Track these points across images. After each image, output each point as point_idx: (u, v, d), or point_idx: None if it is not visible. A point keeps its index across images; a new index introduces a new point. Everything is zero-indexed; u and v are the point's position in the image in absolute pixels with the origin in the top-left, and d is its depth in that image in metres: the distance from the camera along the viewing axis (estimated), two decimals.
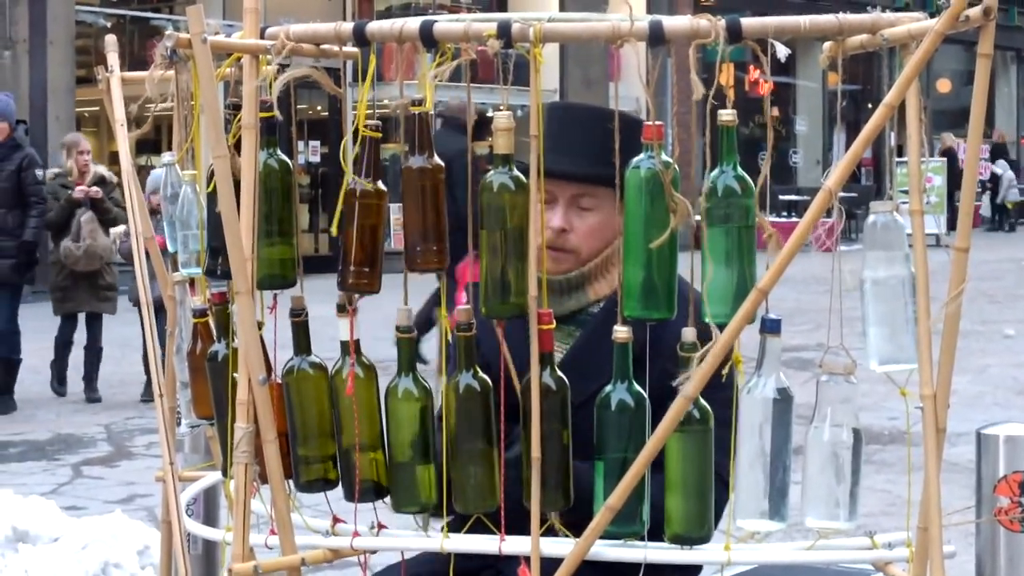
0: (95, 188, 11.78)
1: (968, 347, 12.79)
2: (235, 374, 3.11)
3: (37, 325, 12.59)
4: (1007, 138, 35.08)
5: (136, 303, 11.52)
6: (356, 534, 3.15)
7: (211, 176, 3.13)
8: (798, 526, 3.01)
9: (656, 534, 3.01)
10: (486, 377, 3.04)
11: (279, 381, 3.17)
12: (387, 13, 24.62)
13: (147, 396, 11.60)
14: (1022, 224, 35.83)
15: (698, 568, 3.36)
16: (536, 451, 2.95)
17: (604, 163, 3.05)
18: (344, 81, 3.28)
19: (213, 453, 3.66)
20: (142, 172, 15.18)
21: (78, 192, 11.75)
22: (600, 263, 3.46)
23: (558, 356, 3.39)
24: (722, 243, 2.90)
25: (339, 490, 3.18)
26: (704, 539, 2.99)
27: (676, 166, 2.95)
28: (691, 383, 2.87)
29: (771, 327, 2.92)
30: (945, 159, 28.73)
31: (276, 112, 3.11)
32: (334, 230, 3.07)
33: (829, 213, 2.85)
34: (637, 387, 2.97)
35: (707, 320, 2.90)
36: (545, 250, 3.30)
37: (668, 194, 2.90)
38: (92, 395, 11.92)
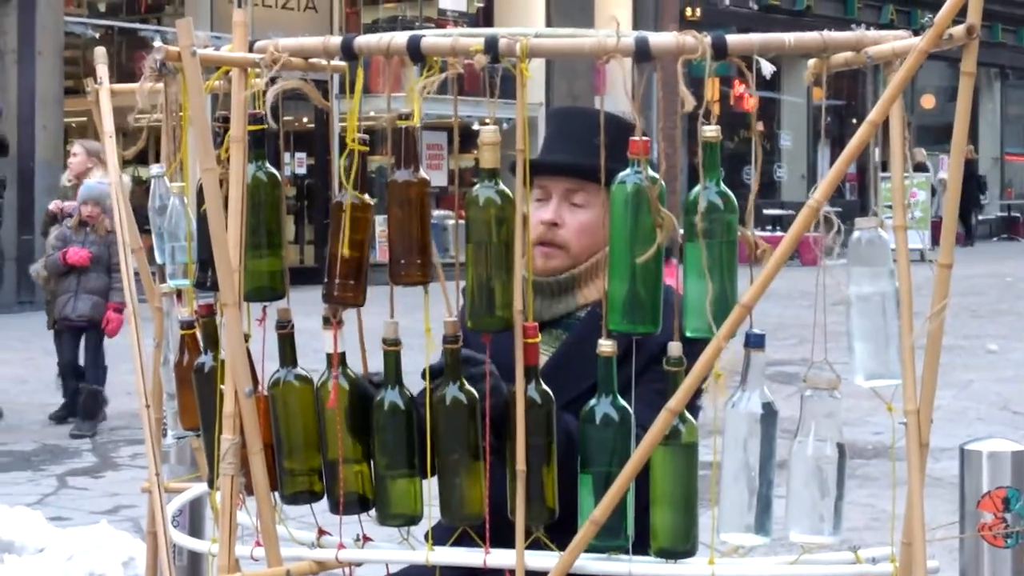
0: (69, 203, 11.06)
1: (952, 362, 12.81)
2: (222, 386, 3.12)
3: (24, 335, 12.56)
4: (970, 155, 34.95)
5: (52, 327, 11.18)
6: (341, 546, 3.16)
7: (200, 188, 3.14)
8: (782, 540, 3.02)
9: (640, 548, 3.02)
10: (472, 389, 3.05)
11: (265, 393, 3.18)
12: (374, 27, 24.63)
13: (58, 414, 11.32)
14: (1008, 239, 35.92)
15: None
16: (521, 464, 2.96)
17: (597, 158, 3.05)
18: (331, 94, 3.29)
19: (199, 465, 3.67)
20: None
21: (53, 205, 11.25)
22: (591, 267, 3.47)
23: (543, 359, 3.42)
24: (705, 258, 2.91)
25: (324, 502, 3.19)
26: (689, 553, 3.00)
27: (662, 181, 2.96)
28: (675, 397, 2.89)
29: (755, 342, 2.93)
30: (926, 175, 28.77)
31: (270, 122, 3.11)
32: (346, 250, 3.08)
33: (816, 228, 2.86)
34: (622, 400, 2.98)
35: (689, 335, 2.93)
36: (534, 247, 3.35)
37: (654, 209, 2.92)
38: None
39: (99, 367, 11.03)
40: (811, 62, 3.03)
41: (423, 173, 3.08)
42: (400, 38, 3.02)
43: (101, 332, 10.86)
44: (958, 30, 2.75)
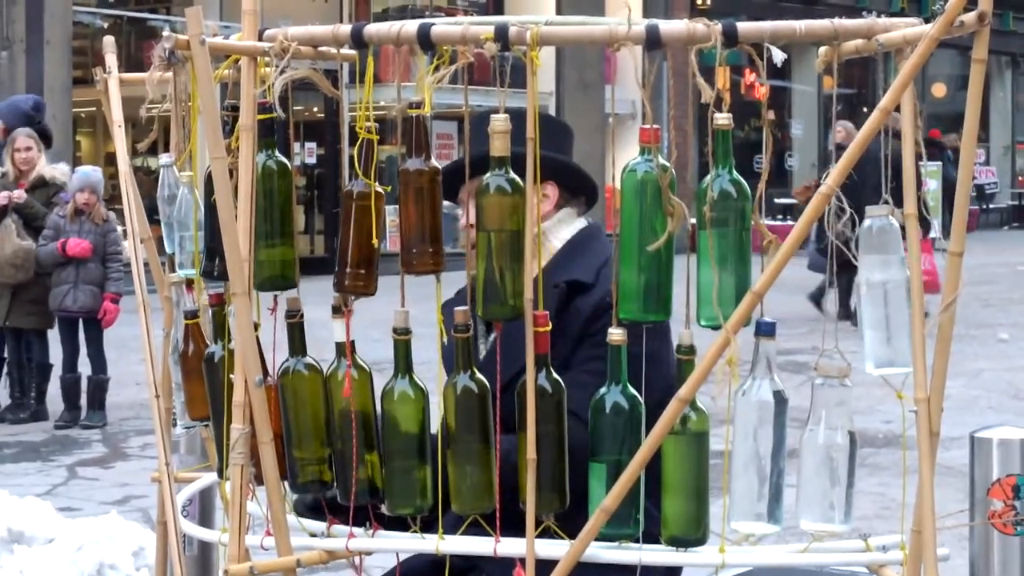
0: (18, 193, 10.92)
1: (962, 351, 12.79)
2: (232, 375, 3.12)
3: None
4: (953, 144, 34.80)
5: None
6: (351, 535, 3.16)
7: (209, 177, 3.13)
8: (793, 529, 3.02)
9: (649, 536, 3.02)
10: (483, 378, 3.04)
11: (275, 383, 3.17)
12: (383, 15, 24.62)
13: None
14: (1019, 228, 35.85)
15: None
16: (532, 452, 2.95)
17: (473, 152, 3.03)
18: (341, 83, 3.28)
19: (209, 454, 3.67)
20: (138, 173, 14.80)
21: (1, 198, 10.92)
22: None
23: (482, 349, 3.39)
24: (718, 246, 2.91)
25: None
26: (700, 541, 3.00)
27: (673, 170, 2.96)
28: (686, 386, 2.88)
29: (766, 330, 2.92)
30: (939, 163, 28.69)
31: (279, 111, 3.11)
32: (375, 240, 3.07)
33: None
34: (631, 390, 2.98)
35: (703, 324, 2.93)
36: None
37: (665, 197, 2.91)
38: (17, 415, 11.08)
39: (101, 356, 11.03)
40: (822, 50, 3.03)
41: (434, 162, 3.07)
42: (410, 26, 3.02)
43: (99, 322, 10.84)
44: (969, 17, 2.74)
